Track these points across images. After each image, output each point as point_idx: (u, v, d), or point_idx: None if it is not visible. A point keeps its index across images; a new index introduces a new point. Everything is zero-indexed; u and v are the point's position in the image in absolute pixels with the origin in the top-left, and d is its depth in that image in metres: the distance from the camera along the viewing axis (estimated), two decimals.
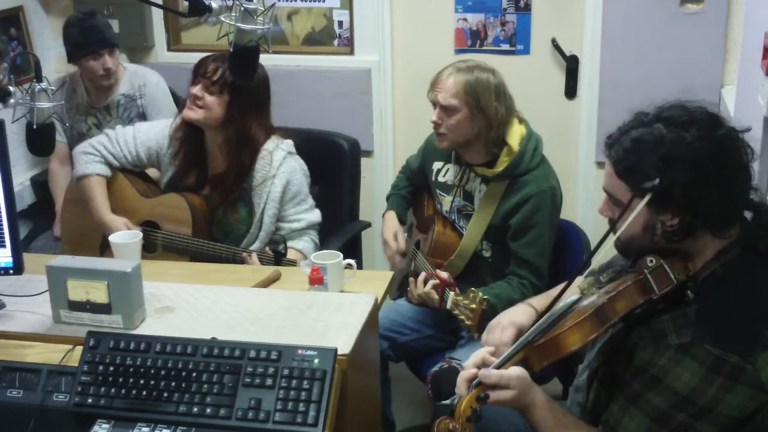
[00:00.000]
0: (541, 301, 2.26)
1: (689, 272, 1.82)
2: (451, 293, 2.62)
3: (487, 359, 1.96)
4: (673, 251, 1.84)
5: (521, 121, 2.90)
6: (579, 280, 2.12)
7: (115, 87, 3.79)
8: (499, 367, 1.92)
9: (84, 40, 3.63)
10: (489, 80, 2.81)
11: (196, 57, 3.09)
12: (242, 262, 2.93)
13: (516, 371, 1.88)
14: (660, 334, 1.77)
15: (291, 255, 2.94)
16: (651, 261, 1.82)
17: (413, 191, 3.29)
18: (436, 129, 2.87)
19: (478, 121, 2.79)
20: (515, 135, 2.84)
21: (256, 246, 3.04)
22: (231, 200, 3.06)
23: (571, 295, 1.93)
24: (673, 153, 1.74)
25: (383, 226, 3.22)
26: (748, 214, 1.86)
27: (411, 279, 2.83)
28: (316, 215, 3.14)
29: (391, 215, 3.24)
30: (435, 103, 2.85)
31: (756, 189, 1.86)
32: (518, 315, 2.21)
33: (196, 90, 2.95)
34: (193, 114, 2.98)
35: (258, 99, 3.01)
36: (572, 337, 1.85)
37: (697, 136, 1.75)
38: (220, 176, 3.07)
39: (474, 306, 2.49)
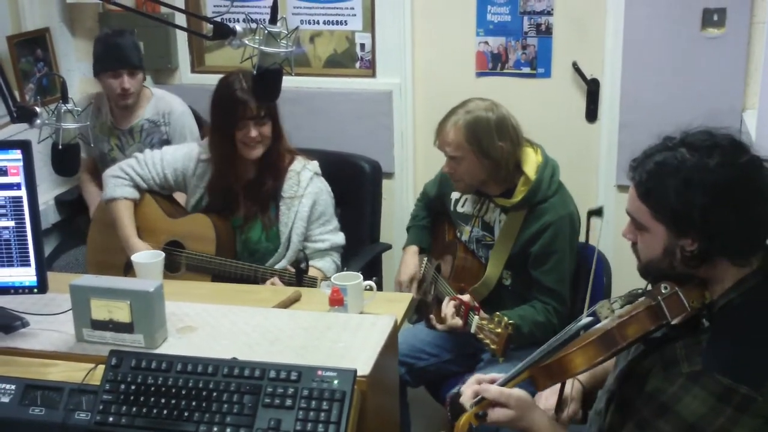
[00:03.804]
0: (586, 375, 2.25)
1: (705, 300, 1.81)
2: (476, 317, 2.61)
3: (492, 377, 1.99)
4: (691, 278, 1.83)
5: (535, 148, 2.90)
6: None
7: (139, 111, 3.82)
8: (504, 383, 1.94)
9: (105, 56, 3.67)
10: (488, 120, 2.79)
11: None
12: (263, 281, 2.95)
13: (517, 392, 1.90)
14: (672, 361, 1.77)
15: (311, 273, 2.95)
16: (665, 288, 1.82)
17: (433, 219, 3.29)
18: (451, 177, 2.90)
19: (486, 165, 2.81)
20: (531, 163, 2.85)
21: (281, 265, 3.05)
22: (263, 200, 3.08)
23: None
24: (693, 177, 1.74)
25: (402, 264, 3.22)
26: None
27: (442, 306, 2.82)
28: (340, 237, 3.16)
29: (412, 252, 3.24)
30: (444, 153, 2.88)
31: None
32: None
33: (254, 134, 2.98)
34: (259, 150, 3.03)
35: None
36: (577, 359, 1.86)
37: (719, 162, 1.75)
38: (252, 181, 3.10)
39: (499, 330, 2.48)
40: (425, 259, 3.22)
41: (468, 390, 1.98)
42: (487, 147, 2.78)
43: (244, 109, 2.96)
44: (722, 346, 1.74)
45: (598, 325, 1.90)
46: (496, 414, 1.90)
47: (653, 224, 1.82)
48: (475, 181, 2.88)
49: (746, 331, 1.76)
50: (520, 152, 2.85)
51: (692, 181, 1.74)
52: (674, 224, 1.78)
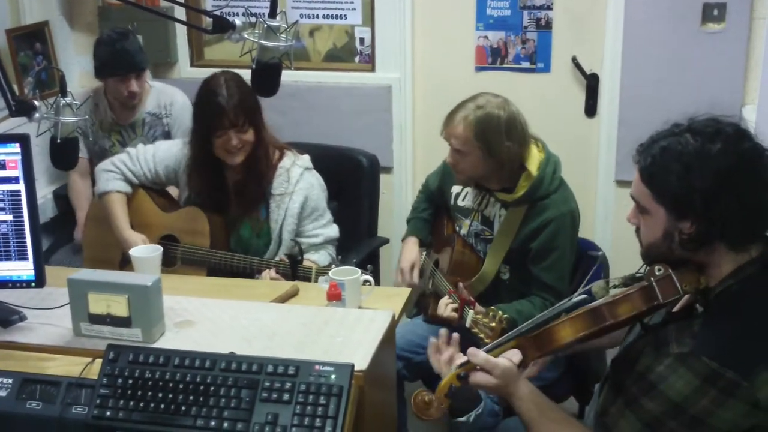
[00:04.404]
0: None
1: (700, 285, 1.83)
2: (471, 311, 2.62)
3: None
4: (687, 262, 1.85)
5: (538, 144, 2.90)
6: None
7: (140, 105, 3.81)
8: (489, 350, 1.99)
9: (112, 60, 3.65)
10: (499, 119, 2.78)
11: None
12: (259, 272, 2.94)
13: (503, 362, 1.96)
14: (663, 342, 1.80)
15: (306, 264, 2.94)
16: (659, 270, 1.84)
17: (433, 212, 3.29)
18: (453, 168, 2.90)
19: (490, 162, 2.80)
20: (533, 160, 2.84)
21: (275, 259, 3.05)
22: (254, 202, 3.08)
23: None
24: (695, 162, 1.77)
25: (402, 253, 3.21)
26: None
27: (439, 302, 2.83)
28: (333, 230, 3.15)
29: (412, 242, 3.23)
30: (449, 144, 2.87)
31: None
32: None
33: (235, 143, 2.95)
34: (240, 157, 3.00)
35: (258, 104, 3.02)
36: (564, 330, 1.90)
37: (721, 148, 1.76)
38: (239, 182, 3.09)
39: (494, 325, 2.49)
40: (424, 253, 3.22)
41: (445, 354, 2.09)
42: (494, 146, 2.77)
43: (223, 117, 2.92)
44: (714, 331, 1.76)
45: (591, 304, 1.93)
46: (478, 378, 1.96)
47: (654, 207, 1.84)
48: (476, 174, 2.88)
49: (740, 319, 1.78)
50: (525, 152, 2.84)
51: (693, 166, 1.77)
52: (674, 207, 1.80)
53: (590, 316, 1.87)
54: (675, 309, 1.89)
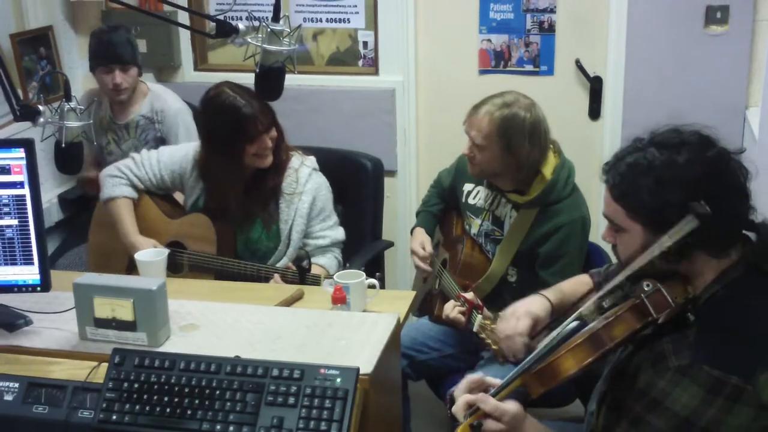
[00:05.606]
0: (554, 294, 2.33)
1: (689, 295, 1.83)
2: (479, 316, 2.62)
3: (483, 381, 1.99)
4: (672, 274, 1.84)
5: (555, 150, 2.89)
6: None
7: (135, 106, 3.81)
8: (497, 392, 1.94)
9: (98, 52, 3.67)
10: (524, 121, 2.76)
11: (222, 77, 3.14)
12: (266, 279, 2.95)
13: (512, 408, 1.89)
14: (660, 356, 1.78)
15: (314, 270, 2.94)
16: (648, 285, 1.83)
17: (443, 208, 3.29)
18: (469, 160, 2.89)
19: (507, 160, 2.78)
20: (548, 164, 2.84)
21: (283, 263, 3.05)
22: (264, 199, 3.08)
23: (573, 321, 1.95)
24: (665, 175, 1.77)
25: (411, 241, 3.22)
26: (751, 236, 1.86)
27: (445, 303, 2.82)
28: (340, 233, 3.16)
29: (421, 232, 3.23)
30: (469, 137, 2.86)
31: (755, 209, 1.85)
32: (534, 305, 2.27)
33: (270, 144, 3.00)
34: (271, 158, 3.03)
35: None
36: (567, 362, 1.86)
37: (688, 158, 1.77)
38: (252, 182, 3.09)
39: None
40: (432, 252, 3.22)
41: (461, 400, 1.96)
42: (514, 146, 2.76)
43: (256, 123, 2.94)
44: (710, 339, 1.75)
45: (585, 328, 1.91)
46: (488, 425, 1.91)
47: (630, 224, 1.85)
48: (490, 170, 2.86)
49: (733, 323, 1.77)
50: (543, 159, 2.84)
51: (663, 179, 1.77)
52: (650, 222, 1.80)
53: (590, 343, 1.84)
54: (660, 320, 1.86)
